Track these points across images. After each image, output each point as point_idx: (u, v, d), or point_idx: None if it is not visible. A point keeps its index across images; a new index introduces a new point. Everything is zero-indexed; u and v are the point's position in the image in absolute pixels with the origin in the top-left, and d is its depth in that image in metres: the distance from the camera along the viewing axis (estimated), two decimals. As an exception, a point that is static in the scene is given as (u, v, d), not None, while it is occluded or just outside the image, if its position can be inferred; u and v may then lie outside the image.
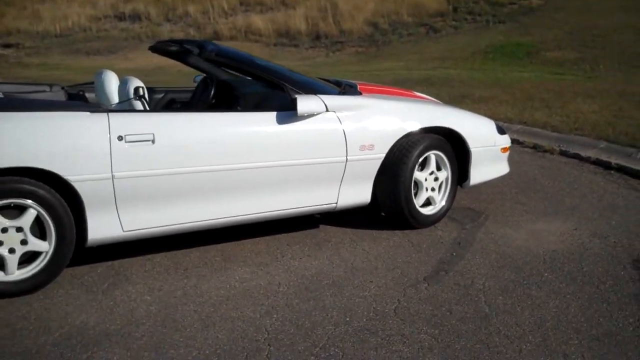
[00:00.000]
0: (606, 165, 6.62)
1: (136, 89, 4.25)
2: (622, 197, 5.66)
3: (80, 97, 5.09)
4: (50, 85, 5.04)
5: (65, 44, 28.65)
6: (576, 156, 7.03)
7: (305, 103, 4.26)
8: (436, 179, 4.87)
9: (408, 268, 4.13)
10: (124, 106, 4.27)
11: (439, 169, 4.88)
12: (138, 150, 3.86)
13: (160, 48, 5.14)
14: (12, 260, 3.68)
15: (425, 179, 4.80)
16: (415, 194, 4.78)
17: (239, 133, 4.18)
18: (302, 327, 3.37)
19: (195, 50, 4.56)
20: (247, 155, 4.17)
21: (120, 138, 3.80)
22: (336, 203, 4.57)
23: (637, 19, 18.32)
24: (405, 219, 4.73)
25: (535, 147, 7.51)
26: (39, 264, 3.77)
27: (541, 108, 9.62)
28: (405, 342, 3.22)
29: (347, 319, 3.46)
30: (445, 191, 4.95)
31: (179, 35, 26.88)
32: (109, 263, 4.21)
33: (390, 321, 3.43)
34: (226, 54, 4.55)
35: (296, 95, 4.30)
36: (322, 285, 3.88)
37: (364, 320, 3.44)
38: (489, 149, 5.08)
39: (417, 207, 4.77)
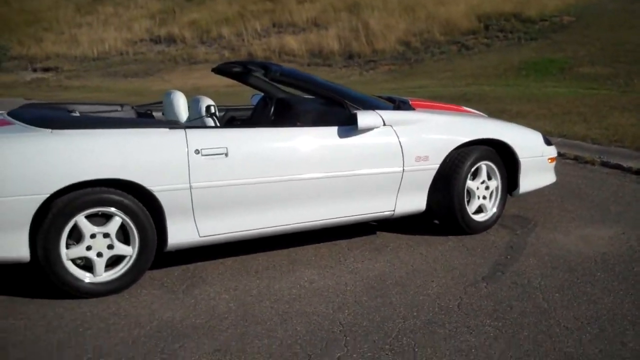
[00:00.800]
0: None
1: (207, 107, 4.57)
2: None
3: (148, 116, 5.43)
4: (122, 105, 5.40)
5: (103, 67, 29.34)
6: (618, 167, 7.23)
7: (364, 118, 4.56)
8: (487, 188, 5.13)
9: (466, 269, 4.38)
10: (197, 123, 4.60)
11: (489, 178, 5.15)
12: (213, 163, 4.18)
13: (223, 69, 5.48)
14: (100, 263, 4.01)
15: (477, 188, 5.06)
16: (468, 202, 5.04)
17: (303, 146, 4.49)
18: (374, 320, 3.64)
19: (261, 71, 4.87)
20: (312, 167, 4.48)
21: (197, 152, 4.12)
22: (393, 210, 4.85)
23: (669, 33, 18.44)
24: (459, 226, 5.00)
25: (576, 158, 7.73)
26: (123, 267, 4.09)
27: (579, 122, 9.83)
28: (471, 332, 3.47)
29: (415, 313, 3.72)
30: (496, 199, 5.20)
31: (214, 57, 27.41)
32: (184, 267, 4.51)
33: (455, 315, 3.69)
34: (289, 73, 4.87)
35: (356, 111, 4.60)
36: (386, 285, 4.15)
37: (430, 314, 3.71)
38: (537, 159, 5.33)
39: (470, 214, 5.03)
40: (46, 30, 36.14)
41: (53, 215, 3.81)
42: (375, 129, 4.65)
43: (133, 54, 30.78)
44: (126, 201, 3.98)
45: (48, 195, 3.77)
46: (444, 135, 4.91)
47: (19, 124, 4.06)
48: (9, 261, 3.90)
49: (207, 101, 4.61)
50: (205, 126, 4.52)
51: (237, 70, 5.36)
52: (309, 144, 4.51)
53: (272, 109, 5.34)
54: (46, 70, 30.78)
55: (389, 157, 4.69)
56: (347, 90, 5.00)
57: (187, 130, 4.19)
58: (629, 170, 7.10)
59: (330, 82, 5.23)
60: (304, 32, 27.52)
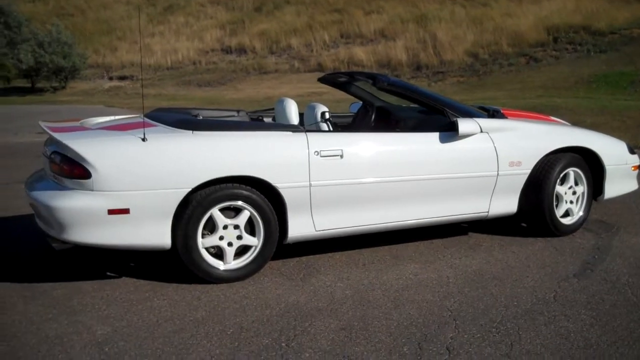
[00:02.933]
0: None
1: (322, 113, 5.08)
2: None
3: (260, 121, 5.98)
4: (238, 111, 5.96)
5: (176, 76, 30.34)
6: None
7: (464, 125, 5.01)
8: (574, 193, 5.52)
9: (557, 267, 4.79)
10: (313, 127, 5.11)
11: (576, 183, 5.54)
12: (330, 163, 4.68)
13: (329, 79, 6.01)
14: (230, 252, 4.55)
15: (565, 193, 5.46)
16: (556, 206, 5.44)
17: (409, 150, 4.96)
18: (478, 308, 4.08)
19: (369, 81, 5.37)
20: (417, 169, 4.95)
21: (316, 153, 4.63)
22: (487, 212, 5.28)
23: None
24: (548, 228, 5.40)
25: (653, 169, 7.99)
26: (249, 256, 4.62)
27: (653, 134, 10.07)
28: (568, 320, 3.88)
29: (515, 303, 4.15)
30: (582, 204, 5.59)
31: (284, 66, 28.14)
32: (298, 258, 5.02)
33: (552, 305, 4.10)
34: (395, 83, 5.34)
35: (456, 118, 5.05)
36: (485, 279, 4.58)
37: (529, 304, 4.12)
38: (621, 167, 5.70)
39: (558, 217, 5.42)
40: (120, 39, 37.45)
41: (193, 207, 4.35)
42: (473, 135, 5.09)
43: (205, 64, 31.75)
44: (254, 196, 4.51)
45: (190, 189, 4.31)
46: (535, 143, 5.32)
47: (162, 126, 4.62)
48: (152, 248, 4.46)
49: (322, 108, 5.12)
50: (322, 130, 5.02)
51: (342, 80, 5.89)
52: (414, 148, 4.99)
53: (373, 116, 5.84)
54: (122, 78, 32.00)
55: (485, 161, 5.13)
56: (447, 99, 5.44)
57: (308, 133, 4.70)
58: None
59: (431, 91, 5.67)
60: (372, 43, 28.05)
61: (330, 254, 5.13)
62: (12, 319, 3.96)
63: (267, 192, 4.58)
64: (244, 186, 4.50)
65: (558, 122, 6.36)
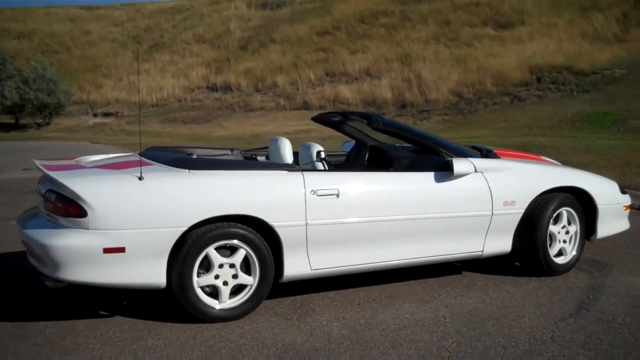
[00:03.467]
0: None
1: (318, 153, 5.10)
2: None
3: (255, 160, 5.99)
4: (232, 150, 5.97)
5: (162, 113, 30.39)
6: (683, 216, 7.55)
7: (459, 165, 5.05)
8: (567, 232, 5.55)
9: (553, 307, 4.79)
10: (308, 166, 5.11)
11: (569, 223, 5.57)
12: (326, 202, 4.68)
13: (322, 118, 6.05)
14: (225, 291, 4.52)
15: (558, 232, 5.49)
16: (550, 245, 5.46)
17: (405, 189, 4.99)
18: (477, 348, 4.06)
19: (364, 121, 5.40)
20: (412, 208, 4.96)
21: (313, 192, 4.64)
22: (482, 251, 5.29)
23: None
24: (541, 267, 5.41)
25: (640, 208, 8.09)
26: (245, 295, 4.59)
27: (640, 173, 10.18)
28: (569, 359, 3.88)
29: (513, 343, 4.13)
30: (575, 243, 5.62)
31: (270, 104, 28.28)
32: (292, 298, 4.99)
33: (551, 346, 4.09)
34: (390, 123, 5.38)
35: (451, 158, 5.08)
36: (482, 319, 4.57)
37: (527, 344, 4.11)
38: (613, 207, 5.75)
39: (552, 256, 5.44)
40: (105, 76, 37.57)
41: (189, 246, 4.33)
42: (467, 175, 5.12)
43: (191, 101, 31.87)
44: (250, 235, 4.49)
45: (187, 228, 4.30)
46: (529, 182, 5.36)
47: (158, 165, 4.61)
48: (147, 287, 4.43)
49: (317, 147, 5.13)
50: (318, 169, 5.03)
51: (336, 120, 5.92)
52: (410, 188, 5.01)
53: (367, 155, 5.87)
54: (107, 115, 32.02)
55: (479, 201, 5.16)
56: (440, 139, 5.48)
57: (304, 172, 4.71)
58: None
59: (425, 131, 5.71)
60: (357, 81, 28.29)
61: (324, 293, 5.11)
62: (4, 359, 3.89)
63: (263, 231, 4.57)
64: (240, 225, 4.49)
65: (549, 162, 6.42)
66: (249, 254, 4.54)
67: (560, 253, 5.56)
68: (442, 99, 23.66)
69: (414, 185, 5.03)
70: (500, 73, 23.88)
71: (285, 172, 4.72)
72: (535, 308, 4.77)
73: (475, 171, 5.18)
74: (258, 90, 31.25)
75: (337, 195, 4.72)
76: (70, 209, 4.21)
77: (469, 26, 30.19)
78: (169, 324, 4.47)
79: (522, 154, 6.33)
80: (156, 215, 4.27)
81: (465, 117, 21.48)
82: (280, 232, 4.57)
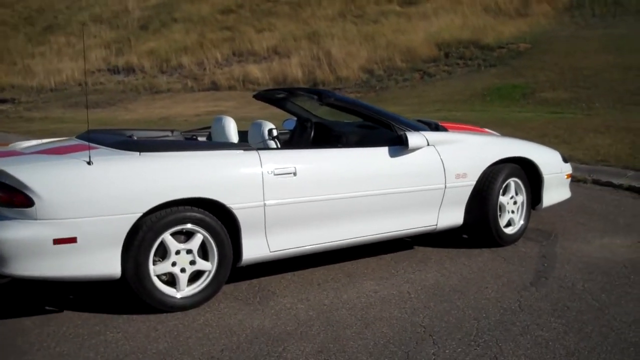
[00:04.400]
0: (639, 191, 7.39)
1: (270, 131, 4.93)
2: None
3: (194, 140, 5.76)
4: (172, 131, 5.73)
5: (62, 98, 29.25)
6: (609, 184, 7.81)
7: (413, 138, 5.00)
8: (515, 203, 5.60)
9: (511, 276, 4.82)
10: (260, 146, 4.94)
11: (516, 193, 5.61)
12: (284, 182, 4.54)
13: (264, 95, 5.89)
14: (183, 279, 4.32)
15: (507, 203, 5.53)
16: (499, 216, 5.49)
17: (361, 165, 4.90)
18: (450, 322, 4.03)
19: (314, 97, 5.26)
20: (369, 184, 4.88)
21: (269, 172, 4.48)
22: (436, 225, 5.27)
23: (620, 58, 19.40)
24: (493, 238, 5.45)
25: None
26: (203, 282, 4.40)
27: (559, 143, 10.42)
28: (542, 329, 3.89)
29: (484, 315, 4.13)
30: (522, 213, 5.68)
31: (177, 86, 27.65)
32: (249, 281, 4.84)
33: (521, 315, 4.11)
34: (342, 99, 5.26)
35: (405, 132, 5.02)
36: (446, 292, 4.55)
37: (498, 315, 4.12)
38: (557, 175, 5.85)
39: (502, 227, 5.48)
40: (-3, 61, 35.79)
41: (144, 232, 4.10)
42: (420, 149, 5.07)
43: (92, 84, 30.75)
44: (207, 219, 4.30)
45: (141, 214, 4.07)
46: (479, 154, 5.37)
47: (105, 148, 4.34)
48: (101, 278, 4.18)
49: (268, 125, 4.96)
50: (272, 148, 4.87)
51: (280, 97, 5.77)
52: (366, 163, 4.92)
53: (312, 132, 5.74)
54: (3, 101, 30.50)
55: (432, 174, 5.12)
56: (392, 113, 5.40)
57: (259, 151, 4.54)
58: (620, 187, 7.67)
59: (375, 106, 5.62)
60: (265, 60, 28.00)
61: (281, 275, 4.98)
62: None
63: (219, 214, 4.39)
64: (196, 208, 4.29)
65: (492, 133, 6.45)
66: (207, 238, 4.35)
67: (509, 223, 5.61)
68: (353, 76, 23.73)
69: (369, 161, 4.95)
70: (409, 49, 24.13)
71: (241, 151, 4.55)
72: (495, 279, 4.79)
73: (428, 144, 5.13)
74: (163, 72, 30.49)
75: (295, 174, 4.58)
76: (14, 198, 3.91)
77: (375, 3, 30.35)
78: (125, 316, 4.24)
79: (466, 126, 6.35)
80: (108, 202, 4.02)
81: (378, 94, 21.61)
82: (238, 214, 4.40)
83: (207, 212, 4.32)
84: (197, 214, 4.28)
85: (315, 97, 5.29)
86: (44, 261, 3.92)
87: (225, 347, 3.77)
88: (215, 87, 26.56)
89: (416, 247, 5.62)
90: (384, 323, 4.04)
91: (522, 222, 5.68)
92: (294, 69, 25.22)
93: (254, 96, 6.36)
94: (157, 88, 28.37)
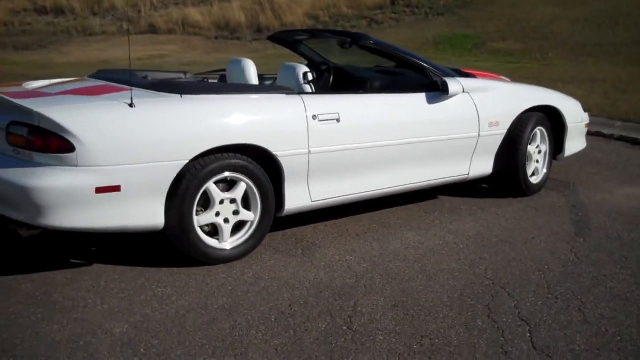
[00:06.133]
0: (633, 141, 7.45)
1: (305, 74, 4.63)
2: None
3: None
4: (185, 73, 5.37)
5: (-17, 39, 27.64)
6: (599, 134, 7.83)
7: (453, 85, 4.81)
8: (540, 152, 5.51)
9: (552, 227, 4.75)
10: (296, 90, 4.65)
11: (541, 142, 5.52)
12: (328, 128, 4.30)
13: (281, 38, 5.59)
14: (227, 230, 4.07)
15: (534, 152, 5.43)
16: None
17: (401, 112, 4.71)
18: (514, 274, 3.92)
19: (348, 40, 4.99)
20: (408, 132, 4.70)
21: (314, 117, 4.24)
22: (468, 174, 5.14)
23: (566, 11, 19.57)
24: (520, 188, 5.36)
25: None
26: (246, 233, 4.15)
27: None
28: (612, 280, 3.83)
29: (546, 267, 4.03)
30: (545, 162, 5.59)
31: (112, 29, 26.58)
32: (281, 232, 4.59)
33: (584, 267, 4.03)
34: (379, 42, 5.01)
35: (444, 78, 4.82)
36: (493, 243, 4.43)
37: (561, 267, 4.03)
38: (578, 125, 5.79)
39: (529, 176, 5.39)
40: None
41: (188, 181, 3.81)
42: (457, 96, 4.90)
43: (19, 25, 29.20)
44: (251, 167, 4.04)
45: (188, 161, 3.78)
46: (510, 102, 5.24)
47: (141, 90, 3.97)
48: (144, 230, 3.89)
49: (303, 68, 4.67)
50: (314, 92, 4.61)
51: (299, 38, 5.50)
52: (406, 110, 4.72)
53: (331, 78, 5.49)
54: None
55: (468, 122, 4.97)
56: (425, 58, 5.19)
57: (303, 96, 4.28)
58: (611, 137, 7.70)
59: (409, 50, 5.38)
60: (204, 4, 27.12)
61: (313, 225, 4.77)
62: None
63: (262, 162, 4.13)
64: (240, 156, 4.02)
65: (507, 80, 6.32)
66: (250, 187, 4.09)
67: (533, 173, 5.51)
68: (299, 23, 23.20)
69: (410, 108, 4.75)
70: (354, -4, 23.75)
71: (284, 95, 4.27)
72: (536, 229, 4.71)
73: (463, 91, 4.95)
74: (95, 14, 29.14)
75: (338, 120, 4.35)
76: (51, 143, 3.55)
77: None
78: (165, 270, 3.97)
79: (483, 73, 6.19)
80: (153, 148, 3.71)
81: (326, 41, 21.21)
82: (283, 162, 4.15)
83: (250, 160, 4.05)
84: (241, 161, 4.01)
85: (349, 39, 5.02)
86: (85, 212, 3.60)
87: (292, 301, 3.56)
88: (153, 30, 25.58)
89: (439, 196, 5.46)
90: (447, 275, 3.90)
91: (544, 171, 5.61)
92: (237, 13, 24.52)
93: (269, 38, 6.03)
94: (90, 30, 27.12)
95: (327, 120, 4.29)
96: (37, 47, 25.73)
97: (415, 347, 3.07)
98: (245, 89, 4.39)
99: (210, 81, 5.49)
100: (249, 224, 4.15)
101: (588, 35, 17.07)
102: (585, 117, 5.90)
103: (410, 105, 4.74)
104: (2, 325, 3.25)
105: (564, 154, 5.74)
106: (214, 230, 4.06)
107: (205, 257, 3.99)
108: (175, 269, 3.97)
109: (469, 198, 5.42)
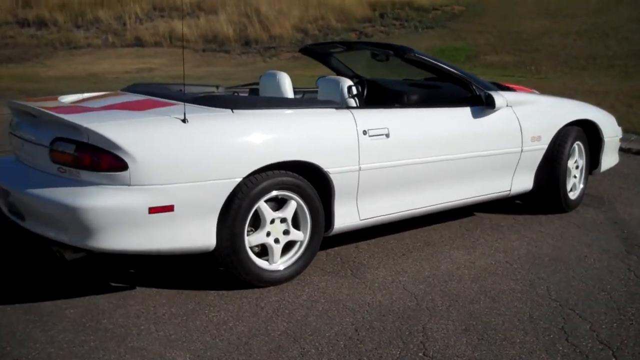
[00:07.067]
0: (655, 155, 7.42)
1: (349, 88, 4.49)
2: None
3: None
4: (217, 86, 5.21)
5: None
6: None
7: (498, 99, 4.70)
8: (577, 167, 5.41)
9: (601, 243, 4.65)
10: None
11: (579, 157, 5.42)
12: (377, 144, 4.17)
13: (312, 49, 5.47)
14: (277, 250, 3.91)
15: (572, 167, 5.33)
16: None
17: (448, 127, 4.60)
18: (579, 294, 3.80)
19: (390, 52, 4.86)
20: (455, 147, 4.58)
21: (364, 132, 4.10)
22: (509, 190, 5.03)
23: (556, 24, 19.70)
24: (560, 204, 5.26)
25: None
26: (295, 253, 4.00)
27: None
28: (679, 298, 3.73)
29: (609, 286, 3.91)
30: (581, 177, 5.49)
31: (97, 41, 26.31)
32: (325, 252, 4.43)
33: (644, 283, 3.92)
34: (423, 55, 4.88)
35: (489, 92, 4.71)
36: (546, 262, 4.32)
37: (624, 286, 3.92)
38: (613, 139, 5.71)
39: (568, 192, 5.28)
40: None
41: (239, 199, 3.65)
42: (500, 110, 4.79)
43: (1, 38, 28.80)
44: (302, 184, 3.89)
45: (241, 179, 3.62)
46: (551, 116, 5.16)
47: (189, 105, 3.80)
48: (195, 251, 3.72)
49: (347, 81, 4.52)
50: (362, 107, 4.48)
51: (334, 51, 5.39)
52: (452, 124, 4.62)
53: (365, 91, 5.37)
54: None
55: (511, 137, 4.87)
56: (467, 72, 5.07)
57: (352, 110, 4.15)
58: (629, 151, 7.69)
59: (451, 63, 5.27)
60: (190, 16, 26.92)
61: (355, 244, 4.64)
62: (38, 354, 3.07)
63: (312, 179, 3.98)
64: (290, 173, 3.87)
65: (537, 93, 6.22)
66: (300, 206, 3.94)
67: (571, 189, 5.41)
68: (287, 35, 23.11)
69: (456, 122, 4.63)
70: (342, 9, 23.69)
71: (333, 110, 4.13)
72: (585, 247, 4.61)
73: (507, 105, 4.85)
74: (79, 26, 28.82)
75: (387, 135, 4.22)
76: (102, 161, 3.37)
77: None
78: (214, 293, 3.81)
79: (520, 87, 6.10)
80: (206, 165, 3.55)
81: (316, 54, 21.11)
82: (334, 179, 4.00)
83: (301, 177, 3.90)
84: (292, 178, 3.86)
85: (391, 52, 4.88)
86: (136, 233, 3.43)
87: (356, 326, 3.41)
88: (139, 43, 25.35)
89: (476, 213, 5.34)
90: (510, 296, 3.77)
91: (581, 186, 5.52)
92: (224, 26, 24.36)
93: (300, 50, 5.89)
94: (75, 43, 26.82)
95: (377, 135, 4.16)
96: (20, 60, 25.39)
97: (500, 374, 2.92)
98: (295, 103, 4.26)
99: (241, 94, 5.33)
100: (298, 244, 4.00)
101: (580, 48, 17.15)
102: (619, 132, 5.82)
103: (457, 120, 4.63)
104: (55, 355, 3.06)
105: (601, 168, 5.65)
106: (262, 251, 3.89)
107: (256, 278, 3.84)
108: (224, 292, 3.81)
109: (506, 214, 5.30)
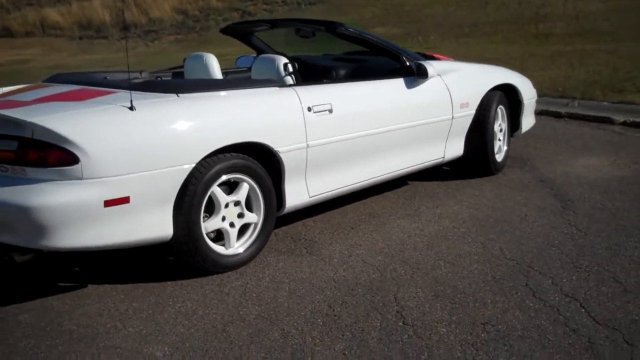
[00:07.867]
0: (556, 115, 7.75)
1: (285, 65, 4.42)
2: (608, 135, 6.80)
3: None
4: (141, 72, 5.02)
5: None
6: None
7: (430, 68, 4.78)
8: (501, 130, 5.58)
9: (535, 202, 4.83)
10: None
11: (502, 120, 5.60)
12: (322, 120, 4.16)
13: (235, 29, 5.39)
14: (233, 234, 3.85)
15: (497, 131, 5.49)
16: (493, 144, 5.47)
17: (385, 99, 4.63)
18: (532, 252, 3.93)
19: (321, 28, 4.83)
20: (394, 118, 4.65)
21: (309, 109, 4.08)
22: (443, 157, 5.14)
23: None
24: (489, 167, 5.42)
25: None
26: (250, 236, 3.94)
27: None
28: (627, 248, 3.91)
29: (556, 241, 4.07)
30: (505, 140, 5.68)
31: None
32: (273, 232, 4.39)
33: (592, 238, 4.09)
34: (354, 29, 4.87)
35: (419, 62, 4.78)
36: (491, 223, 4.44)
37: (571, 240, 4.08)
38: (531, 102, 5.93)
39: (495, 155, 5.45)
40: None
41: (194, 185, 3.56)
42: (431, 79, 4.87)
43: None
44: (253, 165, 3.84)
45: (195, 165, 3.53)
46: (477, 82, 5.29)
47: (125, 92, 3.63)
48: (152, 242, 3.60)
49: (282, 59, 4.46)
50: (311, 83, 4.43)
51: (257, 29, 5.31)
52: (390, 96, 4.66)
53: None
54: None
55: (442, 105, 4.97)
56: (395, 44, 5.11)
57: (296, 88, 4.11)
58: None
59: (379, 36, 5.29)
60: (61, 3, 25.86)
61: (302, 222, 4.62)
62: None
63: (261, 159, 3.92)
64: (242, 155, 3.80)
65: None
66: (252, 187, 3.89)
67: (497, 151, 5.58)
68: (168, 18, 22.63)
69: (393, 94, 4.67)
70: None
71: (276, 88, 4.08)
72: (522, 206, 4.77)
73: (436, 74, 4.94)
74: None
75: (330, 111, 4.21)
76: (49, 156, 3.20)
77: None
78: (172, 283, 3.70)
79: (440, 56, 6.20)
80: (159, 153, 3.44)
81: (200, 35, 20.81)
82: (284, 158, 3.96)
83: (252, 159, 3.84)
84: (243, 160, 3.79)
85: (323, 27, 4.86)
86: (92, 228, 3.29)
87: (328, 302, 3.39)
88: (9, 33, 24.13)
89: (410, 182, 5.43)
90: (468, 260, 3.86)
91: (505, 148, 5.71)
92: (100, 12, 23.55)
93: (222, 30, 5.75)
94: None
95: (321, 111, 4.14)
96: None
97: (483, 335, 2.99)
98: (237, 84, 4.14)
99: (163, 79, 5.16)
100: (252, 226, 3.94)
101: (462, 17, 17.68)
102: (535, 94, 6.04)
103: (394, 91, 4.68)
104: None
105: (521, 130, 5.85)
106: (216, 237, 3.81)
107: (214, 264, 3.75)
108: (182, 282, 3.71)
109: (439, 181, 5.42)
